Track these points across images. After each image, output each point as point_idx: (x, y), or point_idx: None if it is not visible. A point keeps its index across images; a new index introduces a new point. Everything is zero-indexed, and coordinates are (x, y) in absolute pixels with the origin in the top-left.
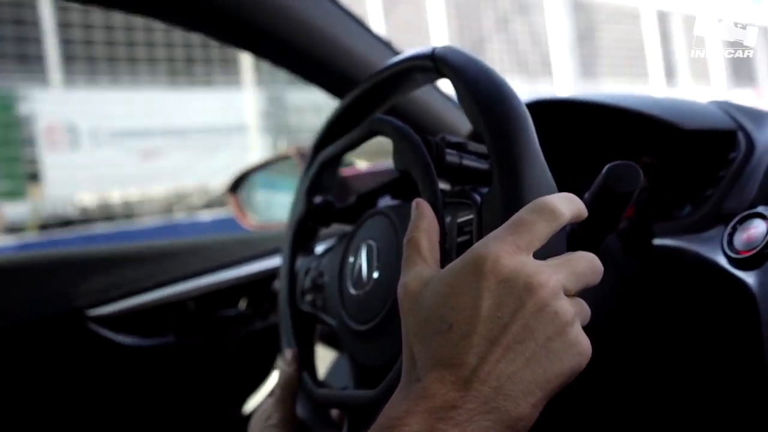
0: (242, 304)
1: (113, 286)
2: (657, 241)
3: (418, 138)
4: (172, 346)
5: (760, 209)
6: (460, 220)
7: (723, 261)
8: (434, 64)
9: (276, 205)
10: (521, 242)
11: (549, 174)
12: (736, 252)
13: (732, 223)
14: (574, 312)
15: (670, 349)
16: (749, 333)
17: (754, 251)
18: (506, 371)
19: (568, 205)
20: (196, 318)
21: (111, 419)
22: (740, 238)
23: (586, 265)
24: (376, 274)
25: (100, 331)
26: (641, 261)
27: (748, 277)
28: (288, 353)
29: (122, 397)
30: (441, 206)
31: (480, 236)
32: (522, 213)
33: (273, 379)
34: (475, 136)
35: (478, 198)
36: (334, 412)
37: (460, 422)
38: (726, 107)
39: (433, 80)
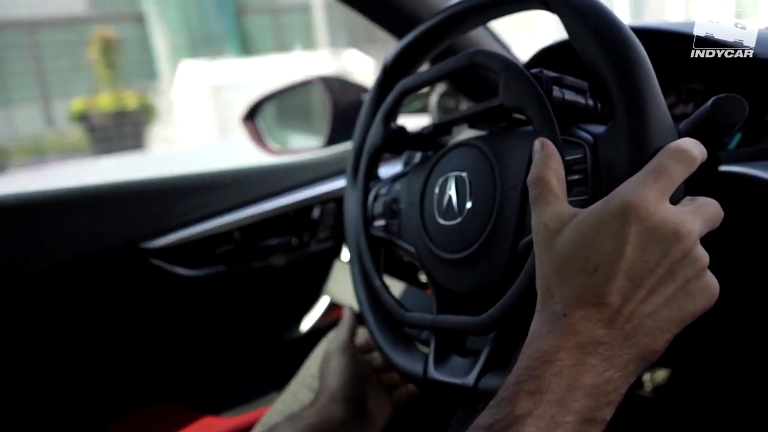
0: (285, 233)
1: (164, 218)
2: (722, 168)
3: (530, 74)
4: (222, 275)
5: None
6: (568, 158)
7: None
8: None
9: (297, 132)
10: (663, 188)
11: (669, 115)
12: None
13: None
14: (708, 256)
15: (744, 268)
16: None
17: None
18: (647, 311)
19: (698, 149)
20: (241, 248)
21: (171, 348)
22: None
23: (714, 211)
24: (469, 205)
25: (156, 263)
26: (710, 187)
27: None
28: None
29: (181, 326)
30: (561, 144)
31: (597, 176)
32: (661, 158)
33: (322, 301)
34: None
35: (588, 136)
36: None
37: (607, 357)
38: None
39: (524, 10)
